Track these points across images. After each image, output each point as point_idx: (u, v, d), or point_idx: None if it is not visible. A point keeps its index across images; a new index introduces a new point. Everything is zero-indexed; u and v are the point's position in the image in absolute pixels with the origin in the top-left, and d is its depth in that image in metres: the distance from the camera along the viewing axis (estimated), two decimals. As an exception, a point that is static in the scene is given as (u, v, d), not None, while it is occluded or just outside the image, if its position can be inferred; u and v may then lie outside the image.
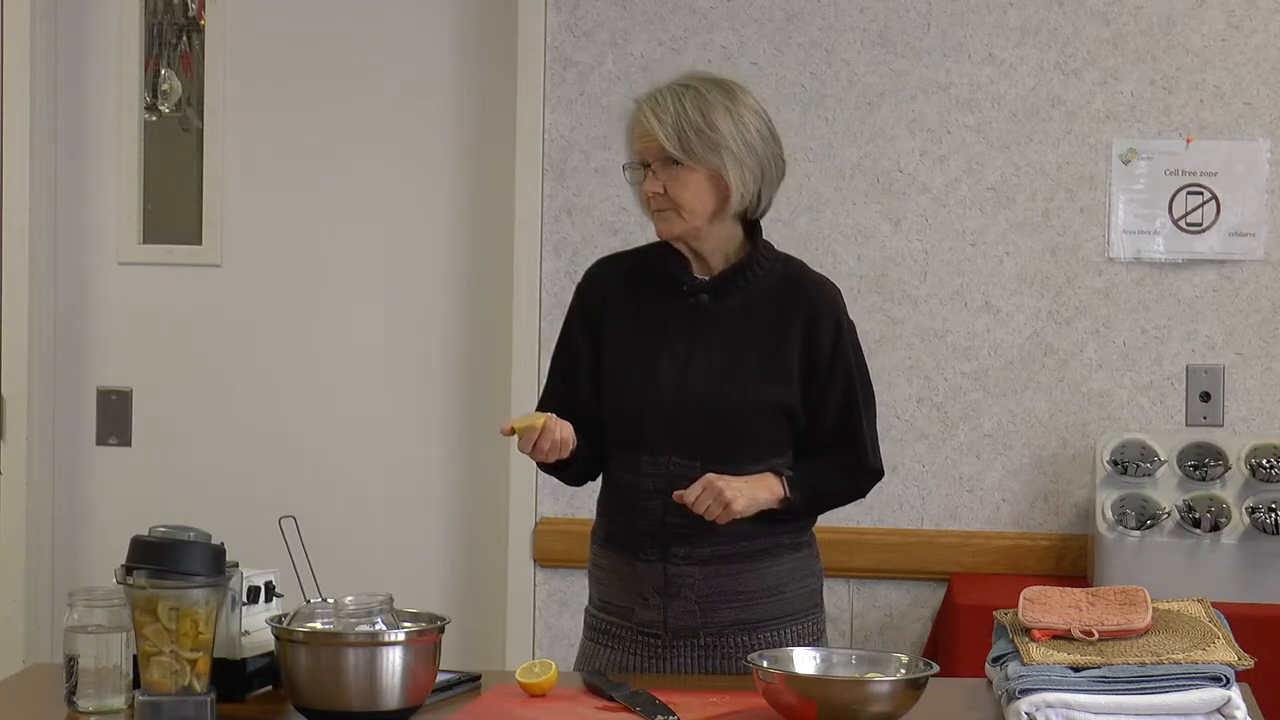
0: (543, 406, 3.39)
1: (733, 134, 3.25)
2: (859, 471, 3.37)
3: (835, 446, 3.32)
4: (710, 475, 3.20)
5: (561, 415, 3.25)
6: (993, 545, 4.55)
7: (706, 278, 3.32)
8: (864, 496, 3.44)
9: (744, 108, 3.28)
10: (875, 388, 3.41)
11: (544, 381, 3.50)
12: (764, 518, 3.25)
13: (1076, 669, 2.83)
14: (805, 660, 2.94)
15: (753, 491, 3.22)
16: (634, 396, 3.29)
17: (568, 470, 3.37)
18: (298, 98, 4.81)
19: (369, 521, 4.80)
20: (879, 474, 3.39)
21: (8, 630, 4.78)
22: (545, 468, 3.35)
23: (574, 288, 3.46)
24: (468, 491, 4.80)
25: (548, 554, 4.66)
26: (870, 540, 4.57)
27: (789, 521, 3.31)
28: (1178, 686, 2.78)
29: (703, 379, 3.27)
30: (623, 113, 4.70)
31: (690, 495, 3.19)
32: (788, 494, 3.25)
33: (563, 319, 3.47)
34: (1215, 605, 3.10)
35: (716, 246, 3.32)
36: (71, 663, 2.87)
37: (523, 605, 4.68)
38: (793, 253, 3.42)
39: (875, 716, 2.76)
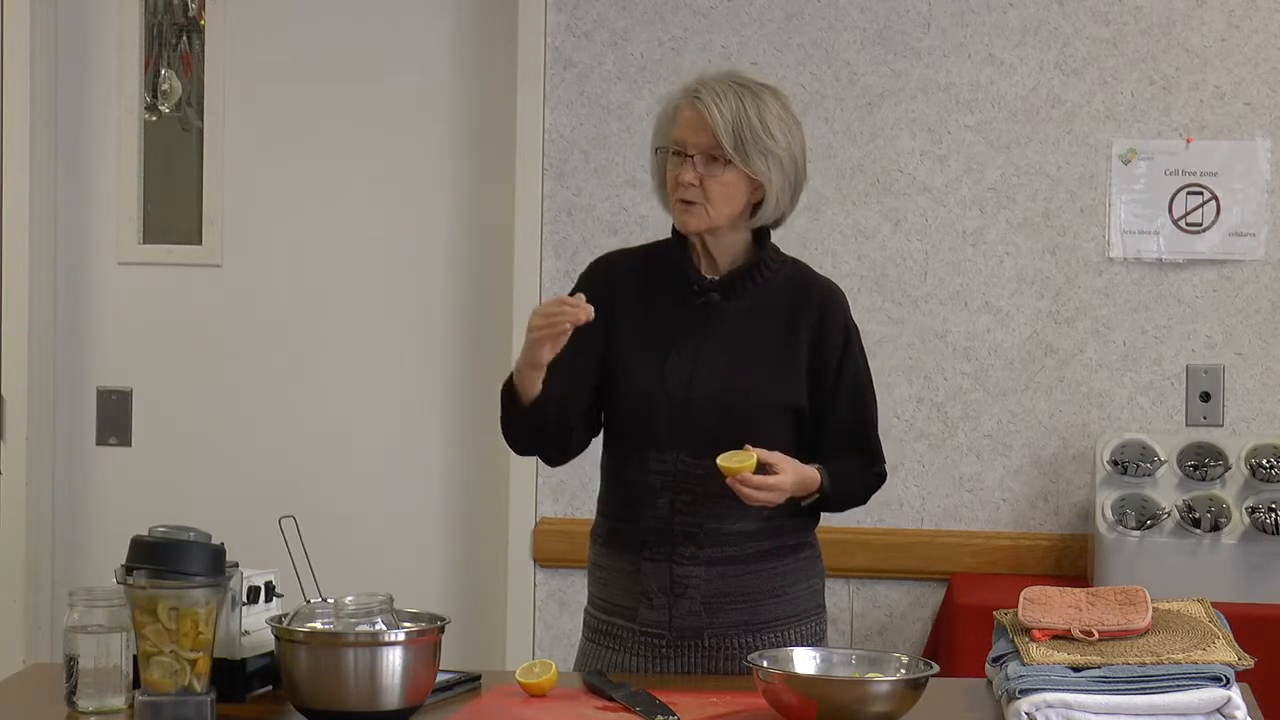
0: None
1: (785, 145, 3.24)
2: (872, 475, 3.39)
3: (846, 450, 3.33)
4: (787, 480, 3.16)
5: (553, 393, 3.22)
6: (993, 545, 4.55)
7: (716, 277, 3.32)
8: (865, 502, 3.45)
9: (793, 120, 3.27)
10: (875, 388, 3.41)
11: None
12: (775, 512, 3.24)
13: (1076, 669, 2.83)
14: (805, 660, 2.94)
15: (793, 489, 3.21)
16: (643, 394, 3.27)
17: (535, 423, 3.26)
18: (298, 98, 4.81)
19: (369, 522, 4.80)
20: (884, 478, 3.41)
21: (8, 630, 4.78)
22: (515, 417, 3.26)
23: (575, 284, 3.44)
24: (467, 491, 4.80)
25: (548, 554, 4.66)
26: (870, 540, 4.57)
27: (799, 516, 3.30)
28: (1178, 686, 2.78)
29: (712, 377, 3.26)
30: (621, 107, 4.71)
31: (760, 493, 3.14)
32: (822, 488, 3.25)
33: None
34: (1215, 605, 3.09)
35: (728, 247, 3.32)
36: (71, 663, 2.86)
37: (523, 605, 4.68)
38: (793, 253, 3.42)
39: (875, 716, 2.76)
